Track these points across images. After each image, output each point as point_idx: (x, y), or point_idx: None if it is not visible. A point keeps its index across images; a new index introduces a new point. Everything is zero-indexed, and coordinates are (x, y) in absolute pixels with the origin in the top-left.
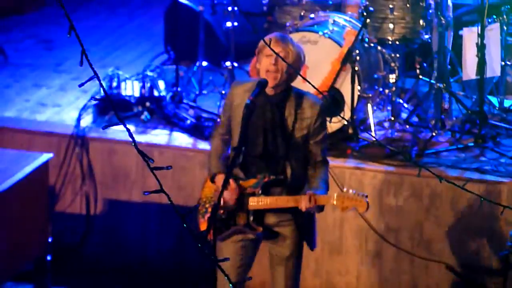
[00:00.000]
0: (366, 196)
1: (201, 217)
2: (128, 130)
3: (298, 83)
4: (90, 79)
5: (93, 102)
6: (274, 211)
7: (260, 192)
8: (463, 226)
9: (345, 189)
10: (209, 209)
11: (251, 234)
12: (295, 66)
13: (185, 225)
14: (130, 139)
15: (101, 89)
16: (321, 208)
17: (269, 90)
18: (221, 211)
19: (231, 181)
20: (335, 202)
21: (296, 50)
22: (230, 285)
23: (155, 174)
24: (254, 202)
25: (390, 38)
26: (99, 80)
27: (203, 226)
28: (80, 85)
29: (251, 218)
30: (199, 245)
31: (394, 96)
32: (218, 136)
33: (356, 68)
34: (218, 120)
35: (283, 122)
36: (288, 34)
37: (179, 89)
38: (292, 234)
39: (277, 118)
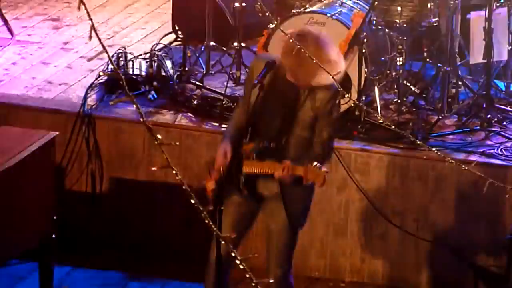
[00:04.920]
0: (327, 172)
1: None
2: (136, 104)
3: None
4: (99, 53)
5: (100, 80)
6: (265, 183)
7: (254, 156)
8: (468, 210)
9: (315, 164)
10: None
11: (238, 196)
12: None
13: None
14: (137, 119)
15: (109, 65)
16: (298, 181)
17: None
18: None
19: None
20: (302, 174)
21: (317, 45)
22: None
23: (163, 150)
24: (247, 166)
25: (397, 20)
26: (108, 54)
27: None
28: (88, 60)
29: (242, 179)
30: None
31: (401, 79)
32: (242, 107)
33: (364, 51)
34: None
35: (296, 99)
36: (295, 15)
37: (186, 68)
38: (283, 209)
39: (291, 95)
